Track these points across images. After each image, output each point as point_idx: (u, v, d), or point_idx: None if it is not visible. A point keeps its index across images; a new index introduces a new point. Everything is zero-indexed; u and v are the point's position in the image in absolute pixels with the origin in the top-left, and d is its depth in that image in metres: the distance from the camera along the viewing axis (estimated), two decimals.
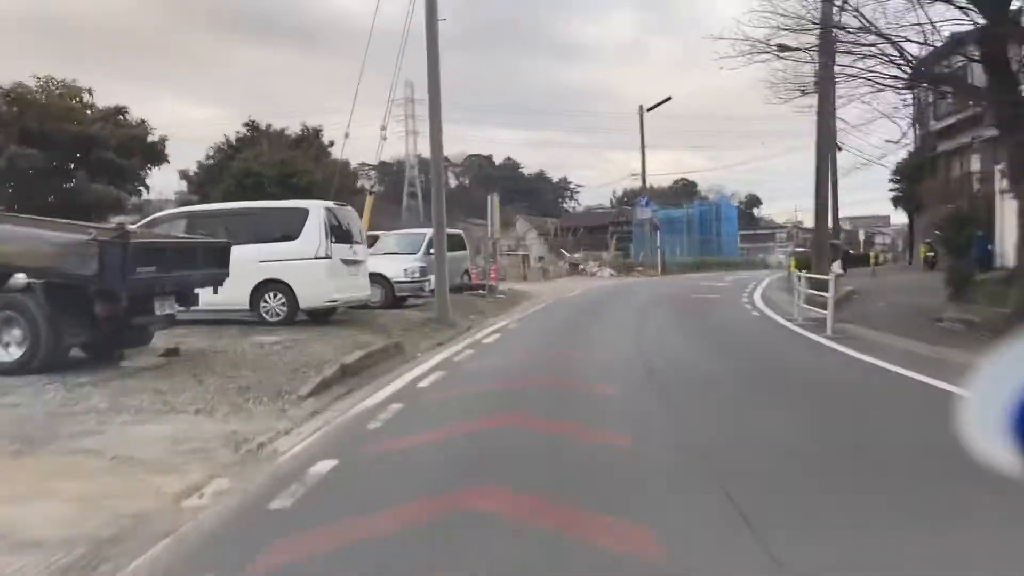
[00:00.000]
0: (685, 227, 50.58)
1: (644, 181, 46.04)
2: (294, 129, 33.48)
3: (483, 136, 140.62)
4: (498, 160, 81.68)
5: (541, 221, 60.77)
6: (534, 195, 73.89)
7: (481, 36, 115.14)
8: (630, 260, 44.72)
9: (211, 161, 32.23)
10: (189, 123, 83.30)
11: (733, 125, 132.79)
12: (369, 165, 78.41)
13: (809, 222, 28.81)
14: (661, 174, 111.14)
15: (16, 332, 7.58)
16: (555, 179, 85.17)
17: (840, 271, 15.51)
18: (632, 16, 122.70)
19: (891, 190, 35.40)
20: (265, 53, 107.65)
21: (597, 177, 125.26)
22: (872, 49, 11.52)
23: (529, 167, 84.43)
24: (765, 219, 79.78)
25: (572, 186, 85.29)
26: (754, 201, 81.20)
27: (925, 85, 14.64)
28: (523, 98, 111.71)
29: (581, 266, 40.20)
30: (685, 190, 72.33)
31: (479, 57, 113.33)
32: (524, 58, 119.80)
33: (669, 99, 47.50)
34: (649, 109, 41.57)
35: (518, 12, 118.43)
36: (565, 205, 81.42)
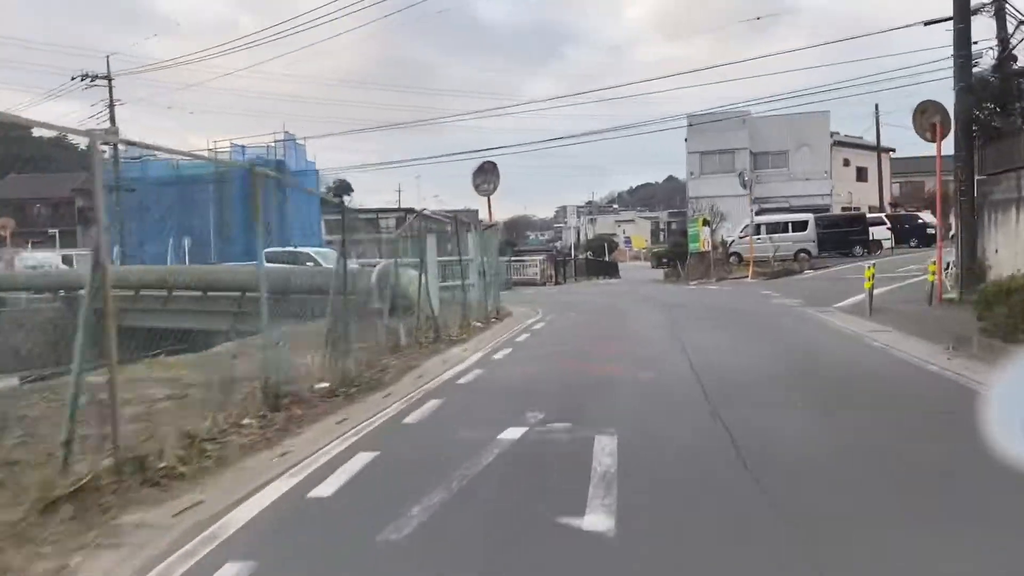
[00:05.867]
0: (214, 201, 28.56)
1: None
2: None
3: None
4: None
5: None
6: (48, 164, 55.46)
7: None
8: None
9: None
10: None
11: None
12: None
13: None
14: None
15: None
16: (82, 147, 62.05)
17: None
18: None
19: None
20: None
21: None
22: None
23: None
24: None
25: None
26: (345, 188, 64.92)
27: None
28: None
29: None
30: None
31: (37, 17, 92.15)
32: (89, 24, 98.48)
33: None
34: None
35: None
36: None
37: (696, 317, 15.55)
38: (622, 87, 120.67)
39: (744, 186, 29.25)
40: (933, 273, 15.35)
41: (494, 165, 19.85)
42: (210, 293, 17.78)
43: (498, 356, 10.75)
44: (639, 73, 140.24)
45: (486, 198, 19.76)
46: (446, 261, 17.08)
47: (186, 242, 31.13)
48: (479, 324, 15.02)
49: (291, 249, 19.59)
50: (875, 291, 17.52)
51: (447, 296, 16.44)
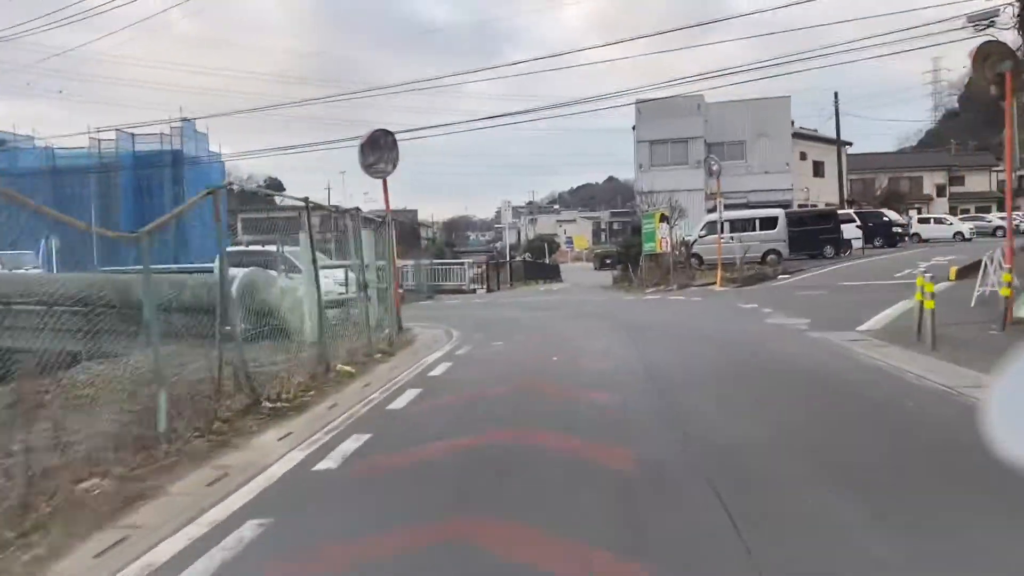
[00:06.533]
0: (97, 195, 26.80)
1: None
2: None
3: None
4: None
5: None
6: None
7: None
8: None
9: None
10: None
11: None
12: None
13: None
14: None
15: None
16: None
17: None
18: None
19: None
20: None
21: None
22: None
23: None
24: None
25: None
26: (277, 186, 60.96)
27: None
28: None
29: None
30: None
31: None
32: None
33: None
34: None
35: None
36: None
37: (680, 355, 10.61)
38: (551, 56, 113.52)
39: (711, 174, 24.67)
40: (1008, 285, 10.82)
41: (393, 139, 14.47)
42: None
43: (329, 463, 5.47)
44: (584, 78, 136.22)
45: (382, 181, 14.45)
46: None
47: (54, 243, 26.66)
48: (349, 368, 9.71)
49: (258, 248, 14.87)
50: (894, 307, 13.55)
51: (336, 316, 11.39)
